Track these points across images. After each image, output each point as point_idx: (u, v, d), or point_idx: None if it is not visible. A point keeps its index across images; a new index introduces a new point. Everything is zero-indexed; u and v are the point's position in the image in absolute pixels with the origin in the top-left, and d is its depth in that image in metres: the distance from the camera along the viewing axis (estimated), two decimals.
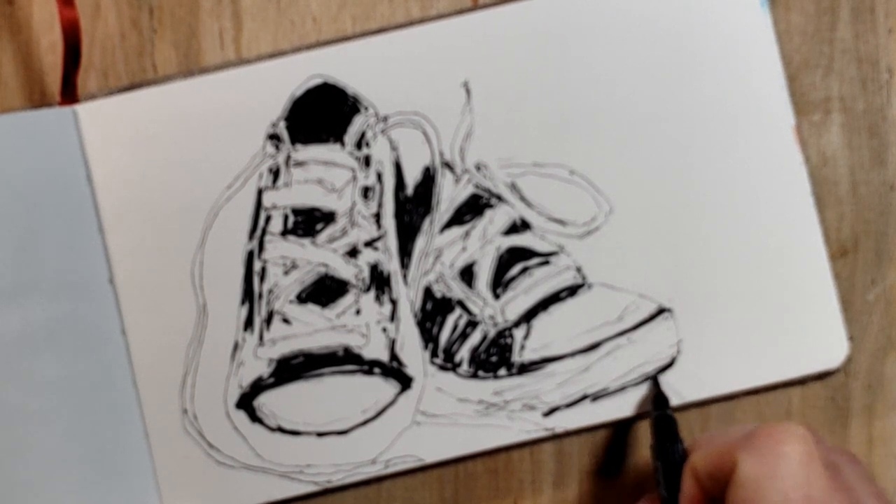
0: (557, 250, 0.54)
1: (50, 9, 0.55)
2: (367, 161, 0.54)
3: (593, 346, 0.53)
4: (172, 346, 0.53)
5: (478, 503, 0.54)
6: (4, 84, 0.55)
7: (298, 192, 0.54)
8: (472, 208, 0.54)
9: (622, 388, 0.53)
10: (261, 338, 0.53)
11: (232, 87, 0.54)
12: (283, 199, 0.54)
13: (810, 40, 0.55)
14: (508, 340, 0.53)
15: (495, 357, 0.53)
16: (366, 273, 0.53)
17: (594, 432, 0.54)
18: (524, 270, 0.54)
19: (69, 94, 0.54)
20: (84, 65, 0.54)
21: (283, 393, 0.53)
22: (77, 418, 0.52)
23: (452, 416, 0.53)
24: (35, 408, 0.52)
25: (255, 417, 0.53)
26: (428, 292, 0.53)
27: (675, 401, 0.53)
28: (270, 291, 0.53)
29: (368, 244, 0.53)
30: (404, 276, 0.53)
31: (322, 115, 0.54)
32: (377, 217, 0.54)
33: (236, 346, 0.53)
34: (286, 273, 0.53)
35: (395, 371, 0.53)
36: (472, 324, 0.53)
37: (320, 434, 0.53)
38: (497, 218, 0.54)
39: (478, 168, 0.54)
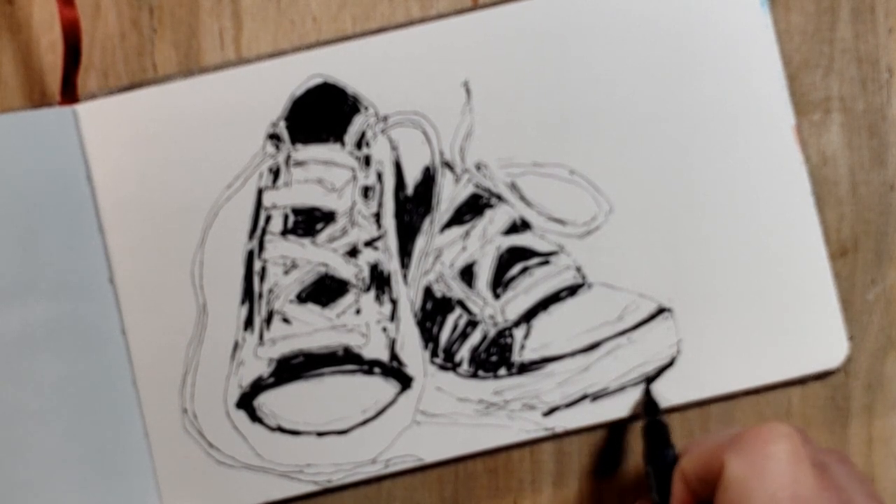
0: (557, 250, 0.54)
1: (50, 9, 0.55)
2: (367, 161, 0.54)
3: (593, 346, 0.53)
4: (172, 346, 0.53)
5: (478, 503, 0.54)
6: (4, 84, 0.55)
7: (298, 192, 0.54)
8: (472, 208, 0.54)
9: (622, 388, 0.53)
10: (261, 337, 0.53)
11: (232, 86, 0.54)
12: (283, 198, 0.54)
13: (810, 40, 0.55)
14: (508, 340, 0.53)
15: (495, 357, 0.53)
16: (366, 273, 0.53)
17: (594, 432, 0.54)
18: (524, 270, 0.54)
19: (69, 94, 0.54)
20: (84, 65, 0.54)
21: (283, 393, 0.53)
22: (77, 418, 0.52)
23: (452, 416, 0.53)
24: (35, 408, 0.52)
25: (255, 417, 0.53)
26: (428, 292, 0.53)
27: (674, 401, 0.53)
28: (270, 291, 0.53)
29: (368, 244, 0.53)
30: (404, 276, 0.53)
31: (322, 114, 0.54)
32: (377, 217, 0.54)
33: (236, 346, 0.53)
34: (286, 273, 0.53)
35: (395, 371, 0.53)
36: (472, 323, 0.53)
37: (320, 434, 0.53)
38: (497, 218, 0.54)
39: (478, 168, 0.54)
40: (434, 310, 0.53)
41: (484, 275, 0.54)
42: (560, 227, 0.54)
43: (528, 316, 0.53)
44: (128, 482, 0.53)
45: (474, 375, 0.53)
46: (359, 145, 0.54)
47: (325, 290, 0.53)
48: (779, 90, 0.53)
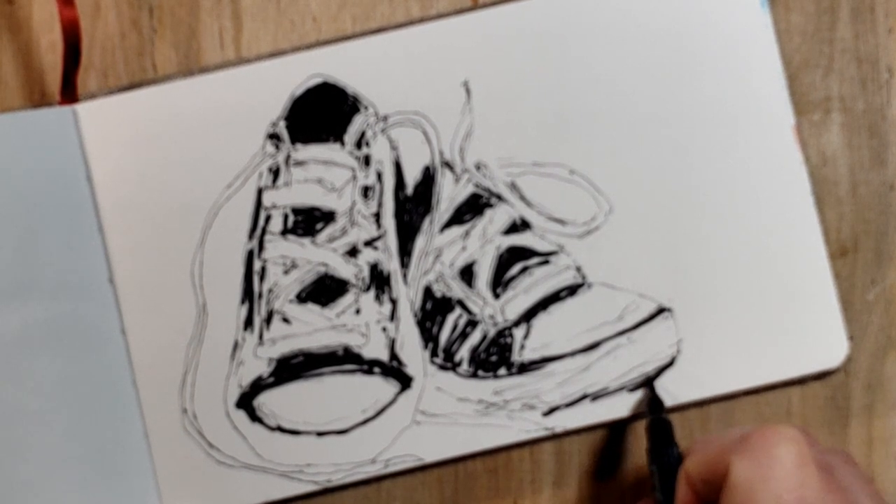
0: (557, 250, 0.54)
1: (50, 9, 0.55)
2: (366, 160, 0.54)
3: (593, 346, 0.53)
4: (172, 346, 0.53)
5: (478, 503, 0.54)
6: (4, 84, 0.55)
7: (298, 192, 0.54)
8: (472, 208, 0.54)
9: (622, 388, 0.53)
10: (261, 337, 0.53)
11: (232, 86, 0.54)
12: (283, 198, 0.54)
13: (810, 40, 0.55)
14: (508, 340, 0.53)
15: (495, 356, 0.53)
16: (366, 272, 0.53)
17: (594, 432, 0.54)
18: (524, 270, 0.54)
19: (69, 94, 0.54)
20: (84, 64, 0.54)
21: (282, 392, 0.53)
22: (77, 418, 0.52)
23: (452, 416, 0.53)
24: (35, 408, 0.52)
25: (254, 417, 0.53)
26: (428, 292, 0.53)
27: (673, 401, 0.53)
28: (270, 291, 0.53)
29: (368, 244, 0.53)
30: (404, 276, 0.53)
31: (322, 114, 0.54)
32: (377, 216, 0.54)
33: (236, 346, 0.53)
34: (286, 272, 0.53)
35: (394, 370, 0.53)
36: (472, 323, 0.53)
37: (320, 433, 0.53)
38: (497, 217, 0.54)
39: (478, 167, 0.54)
40: (434, 309, 0.53)
41: (484, 274, 0.54)
42: (560, 226, 0.54)
43: (528, 316, 0.53)
44: (128, 482, 0.53)
45: (474, 375, 0.53)
46: (359, 145, 0.54)
47: (324, 290, 0.53)
48: (779, 90, 0.53)
